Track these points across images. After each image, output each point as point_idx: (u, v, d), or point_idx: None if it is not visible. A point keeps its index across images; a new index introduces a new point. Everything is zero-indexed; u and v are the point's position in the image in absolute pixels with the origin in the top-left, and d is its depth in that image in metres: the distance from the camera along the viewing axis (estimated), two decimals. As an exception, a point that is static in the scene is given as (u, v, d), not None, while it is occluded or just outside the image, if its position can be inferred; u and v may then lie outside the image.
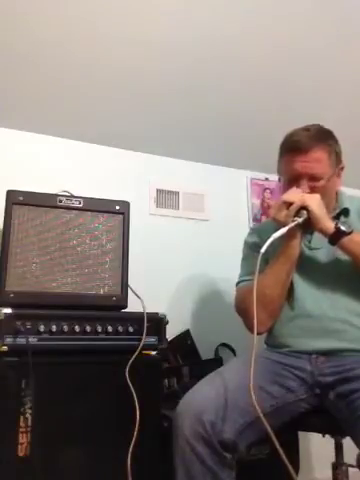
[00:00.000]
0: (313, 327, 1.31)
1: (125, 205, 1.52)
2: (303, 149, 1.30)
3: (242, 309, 1.39)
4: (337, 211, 1.40)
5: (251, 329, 1.38)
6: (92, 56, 1.70)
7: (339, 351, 1.27)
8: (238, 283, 1.50)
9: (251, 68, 1.81)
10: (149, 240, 2.06)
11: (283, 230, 1.22)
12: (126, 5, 1.53)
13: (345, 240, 1.24)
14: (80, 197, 1.48)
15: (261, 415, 1.01)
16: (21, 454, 1.17)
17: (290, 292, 1.37)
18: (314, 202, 1.25)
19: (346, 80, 1.90)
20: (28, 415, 1.19)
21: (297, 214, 1.25)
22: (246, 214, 2.34)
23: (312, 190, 1.31)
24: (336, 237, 1.24)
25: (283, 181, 1.40)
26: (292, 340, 1.35)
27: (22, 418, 1.19)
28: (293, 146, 1.33)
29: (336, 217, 1.39)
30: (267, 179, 2.40)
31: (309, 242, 1.40)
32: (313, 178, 1.32)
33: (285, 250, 1.33)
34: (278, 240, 1.25)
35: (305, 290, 1.36)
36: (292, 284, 1.37)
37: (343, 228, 1.23)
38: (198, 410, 1.12)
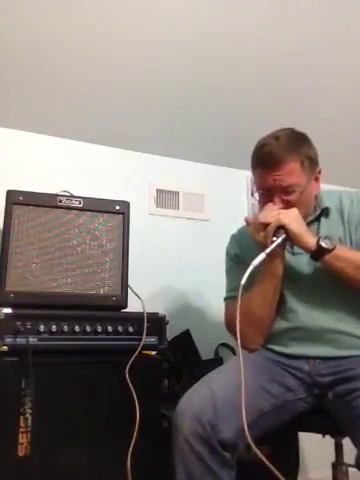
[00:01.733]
0: (308, 337, 1.30)
1: (125, 205, 1.52)
2: (274, 162, 1.24)
3: (233, 328, 1.31)
4: (317, 213, 1.36)
5: (243, 347, 1.32)
6: (92, 56, 1.70)
7: (336, 358, 1.26)
8: (226, 299, 1.46)
9: (251, 68, 1.81)
10: (149, 240, 2.06)
11: (262, 255, 1.17)
12: (126, 5, 1.53)
13: (327, 257, 1.20)
14: (80, 197, 1.48)
15: (246, 428, 1.01)
16: (21, 454, 1.18)
17: (280, 304, 1.34)
18: (291, 219, 1.22)
19: (347, 80, 1.90)
20: (28, 415, 1.19)
21: (276, 233, 1.22)
22: (246, 214, 2.34)
23: (287, 204, 1.26)
24: (318, 254, 1.21)
25: (258, 195, 1.35)
26: (287, 349, 1.33)
27: (22, 418, 1.19)
28: (264, 160, 1.27)
29: (317, 219, 1.36)
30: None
31: (291, 248, 1.35)
32: (287, 191, 1.26)
33: (269, 269, 1.28)
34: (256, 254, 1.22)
35: (296, 301, 1.33)
36: (282, 295, 1.34)
37: (324, 245, 1.19)
38: (197, 410, 1.12)
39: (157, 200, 2.19)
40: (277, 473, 0.96)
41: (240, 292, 1.11)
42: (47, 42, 1.63)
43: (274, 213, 1.24)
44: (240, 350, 1.12)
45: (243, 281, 1.12)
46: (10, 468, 1.17)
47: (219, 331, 2.03)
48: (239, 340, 1.12)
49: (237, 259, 1.44)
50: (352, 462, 1.29)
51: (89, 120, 2.00)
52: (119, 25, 1.59)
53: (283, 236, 1.22)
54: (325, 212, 1.36)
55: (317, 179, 1.34)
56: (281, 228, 1.22)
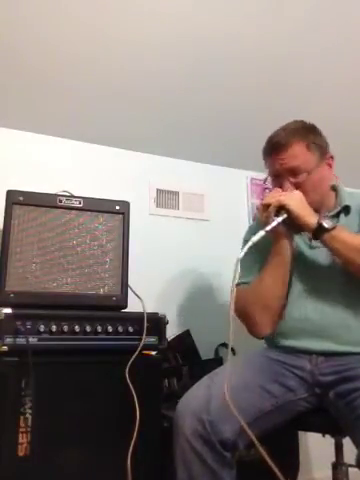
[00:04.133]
0: (312, 329, 1.30)
1: (125, 205, 1.52)
2: (279, 147, 1.33)
3: (243, 313, 1.36)
4: (338, 209, 1.39)
5: (253, 332, 1.38)
6: (92, 56, 1.70)
7: (338, 354, 1.27)
8: (238, 284, 1.45)
9: (251, 68, 1.81)
10: (149, 240, 2.06)
11: (261, 232, 1.21)
12: (126, 6, 1.53)
13: (326, 236, 1.23)
14: (80, 197, 1.48)
15: (245, 425, 1.03)
16: (21, 454, 1.17)
17: (291, 295, 1.36)
18: (292, 200, 1.26)
19: (347, 80, 1.90)
20: (28, 415, 1.19)
21: (278, 213, 1.27)
22: (246, 214, 2.34)
23: (296, 186, 1.32)
24: (317, 233, 1.24)
25: (271, 181, 1.43)
26: (290, 341, 1.34)
27: (22, 418, 1.19)
28: (270, 146, 1.36)
29: (336, 215, 1.38)
30: (267, 179, 2.39)
31: (310, 240, 1.37)
32: (293, 173, 1.32)
33: (276, 250, 1.33)
34: (269, 241, 1.29)
35: (304, 291, 1.35)
36: (291, 285, 1.36)
37: (325, 224, 1.22)
38: (198, 409, 1.13)
39: (157, 200, 2.19)
40: (277, 472, 0.96)
41: (237, 267, 1.16)
42: (47, 42, 1.63)
43: (276, 194, 1.30)
44: (231, 338, 1.15)
45: (240, 256, 1.17)
46: (10, 468, 1.17)
47: (219, 331, 2.03)
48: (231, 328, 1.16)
49: (252, 246, 1.43)
50: (352, 462, 1.29)
51: (89, 120, 2.00)
52: (119, 25, 1.59)
53: (284, 216, 1.26)
54: (345, 210, 1.39)
55: (330, 165, 1.39)
56: (282, 208, 1.26)
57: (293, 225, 1.29)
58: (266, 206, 1.29)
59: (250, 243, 1.19)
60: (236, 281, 1.46)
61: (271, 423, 1.22)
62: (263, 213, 1.30)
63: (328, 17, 1.62)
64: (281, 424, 1.24)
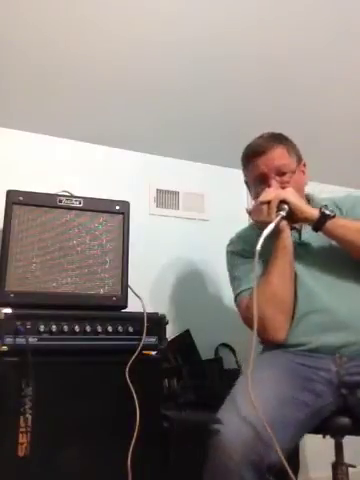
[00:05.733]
0: (327, 322, 1.28)
1: (125, 205, 1.52)
2: (262, 150, 1.37)
3: (259, 319, 1.26)
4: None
5: (271, 338, 1.30)
6: (92, 56, 1.70)
7: (356, 345, 1.25)
8: (238, 294, 1.40)
9: (251, 68, 1.81)
10: (149, 240, 2.06)
11: (271, 226, 1.22)
12: (126, 5, 1.53)
13: (329, 224, 1.25)
14: (80, 197, 1.48)
15: (280, 452, 0.99)
16: (21, 454, 1.17)
17: (296, 289, 1.34)
18: (290, 194, 1.29)
19: (346, 79, 1.90)
20: (28, 415, 1.19)
21: (278, 210, 1.27)
22: (246, 214, 2.34)
23: (282, 185, 1.35)
24: (320, 222, 1.26)
25: (253, 189, 1.44)
26: (307, 338, 1.29)
27: (22, 418, 1.19)
28: (253, 151, 1.40)
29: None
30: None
31: (299, 237, 1.39)
32: (279, 173, 1.36)
33: (279, 244, 1.31)
34: (268, 241, 1.25)
35: (314, 285, 1.33)
36: (297, 280, 1.34)
37: (328, 212, 1.25)
38: (249, 437, 1.03)
39: (157, 200, 2.19)
40: (290, 473, 0.95)
41: (256, 259, 1.13)
42: (47, 42, 1.63)
43: (271, 192, 1.31)
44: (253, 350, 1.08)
45: (259, 247, 1.14)
46: (10, 468, 1.17)
47: (219, 331, 2.04)
48: (254, 330, 1.10)
49: (246, 254, 1.42)
50: (352, 462, 1.29)
51: (89, 120, 2.00)
52: (118, 25, 1.59)
53: (286, 209, 1.27)
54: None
55: (304, 173, 1.45)
56: (282, 203, 1.27)
57: (291, 219, 1.30)
58: (265, 203, 1.29)
59: (263, 236, 1.17)
60: (238, 290, 1.42)
61: (304, 432, 1.18)
62: (263, 210, 1.29)
63: (329, 13, 1.61)
64: (312, 431, 1.20)
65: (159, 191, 2.20)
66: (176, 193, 2.23)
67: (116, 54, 1.70)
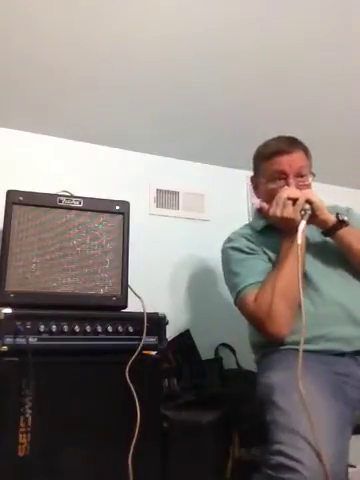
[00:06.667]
0: (339, 314, 1.28)
1: (125, 205, 1.52)
2: (287, 150, 1.40)
3: (264, 311, 1.27)
4: None
5: (276, 334, 1.27)
6: (92, 56, 1.70)
7: None
8: (244, 288, 1.35)
9: (251, 67, 1.81)
10: (149, 240, 2.06)
11: (304, 223, 1.24)
12: (126, 4, 1.53)
13: (343, 230, 1.30)
14: (80, 197, 1.48)
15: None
16: (21, 454, 1.17)
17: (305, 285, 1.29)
18: (314, 195, 1.31)
19: (346, 77, 1.89)
20: (28, 415, 1.19)
21: (301, 209, 1.29)
22: (246, 214, 2.34)
23: (298, 187, 1.37)
24: (335, 227, 1.30)
25: (265, 185, 1.44)
26: (319, 330, 1.26)
27: (22, 418, 1.19)
28: (278, 149, 1.41)
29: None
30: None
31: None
32: (298, 174, 1.39)
33: (296, 242, 1.24)
34: (276, 238, 1.32)
35: (325, 281, 1.34)
36: (306, 277, 1.33)
37: (345, 219, 1.30)
38: (316, 460, 0.95)
39: (157, 200, 2.19)
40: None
41: (300, 253, 1.16)
42: (47, 42, 1.62)
43: (295, 191, 1.33)
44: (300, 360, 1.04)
45: (299, 241, 1.17)
46: (10, 468, 1.17)
47: (219, 331, 2.05)
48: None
49: (252, 251, 1.42)
50: (352, 462, 1.28)
51: (89, 120, 2.00)
52: (118, 24, 1.59)
53: (309, 209, 1.28)
54: None
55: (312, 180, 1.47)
56: (308, 203, 1.29)
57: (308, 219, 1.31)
58: (292, 200, 1.30)
59: (301, 232, 1.20)
60: (242, 285, 1.38)
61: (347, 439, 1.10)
62: (288, 207, 1.29)
63: (329, 10, 1.60)
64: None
65: (159, 191, 2.20)
66: (176, 193, 2.23)
67: (117, 54, 1.70)
